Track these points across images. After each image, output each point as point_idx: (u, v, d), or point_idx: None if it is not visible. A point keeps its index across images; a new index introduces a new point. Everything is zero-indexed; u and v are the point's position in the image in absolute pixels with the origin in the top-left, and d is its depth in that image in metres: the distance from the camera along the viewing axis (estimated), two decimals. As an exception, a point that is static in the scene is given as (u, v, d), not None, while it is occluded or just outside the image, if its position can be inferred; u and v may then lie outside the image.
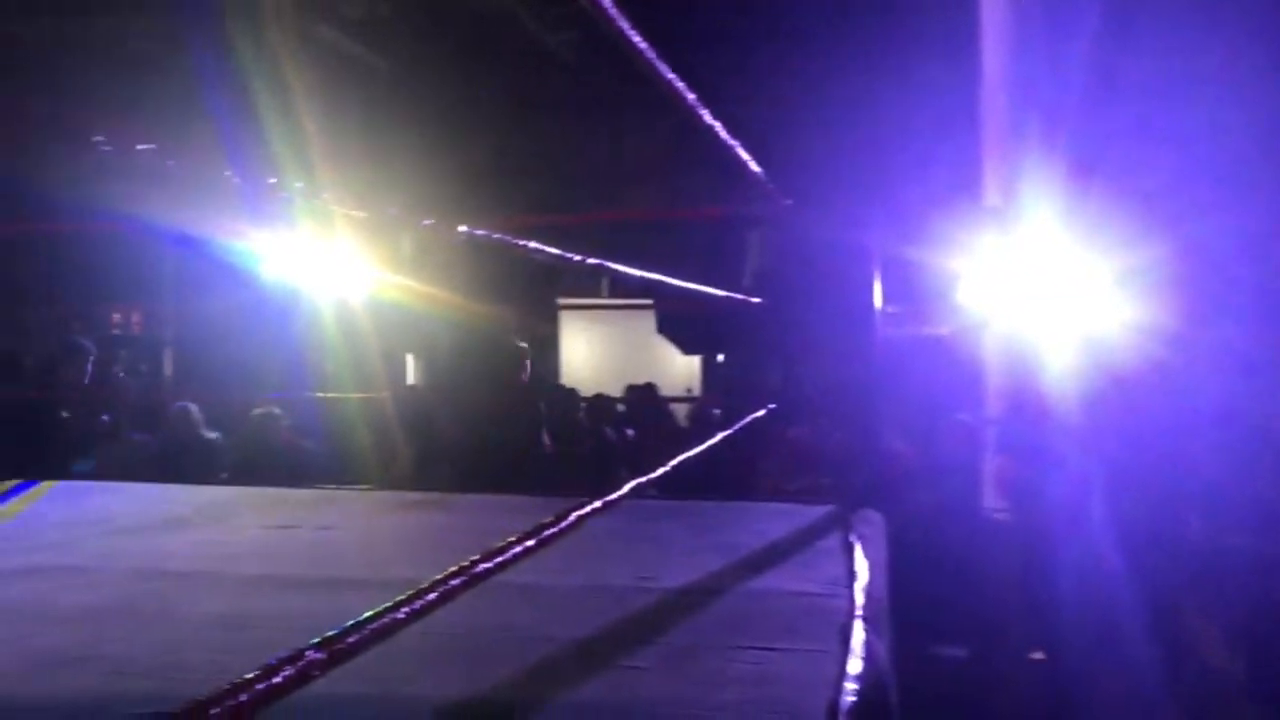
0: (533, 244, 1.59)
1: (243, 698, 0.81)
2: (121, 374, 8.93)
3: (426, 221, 1.16)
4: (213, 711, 0.76)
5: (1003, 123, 3.59)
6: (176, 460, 5.62)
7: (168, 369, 9.52)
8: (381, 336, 6.88)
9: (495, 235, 1.42)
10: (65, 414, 5.92)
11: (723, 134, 2.29)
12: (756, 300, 3.69)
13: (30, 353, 8.32)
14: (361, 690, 1.89)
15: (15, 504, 3.92)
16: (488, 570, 1.30)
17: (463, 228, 1.33)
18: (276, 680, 0.85)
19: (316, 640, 0.93)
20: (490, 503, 4.07)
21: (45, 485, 4.26)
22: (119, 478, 5.03)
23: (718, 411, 6.20)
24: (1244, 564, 3.34)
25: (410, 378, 9.65)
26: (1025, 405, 3.76)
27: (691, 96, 2.06)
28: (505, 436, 6.21)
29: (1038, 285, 3.64)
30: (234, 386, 7.42)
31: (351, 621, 1.00)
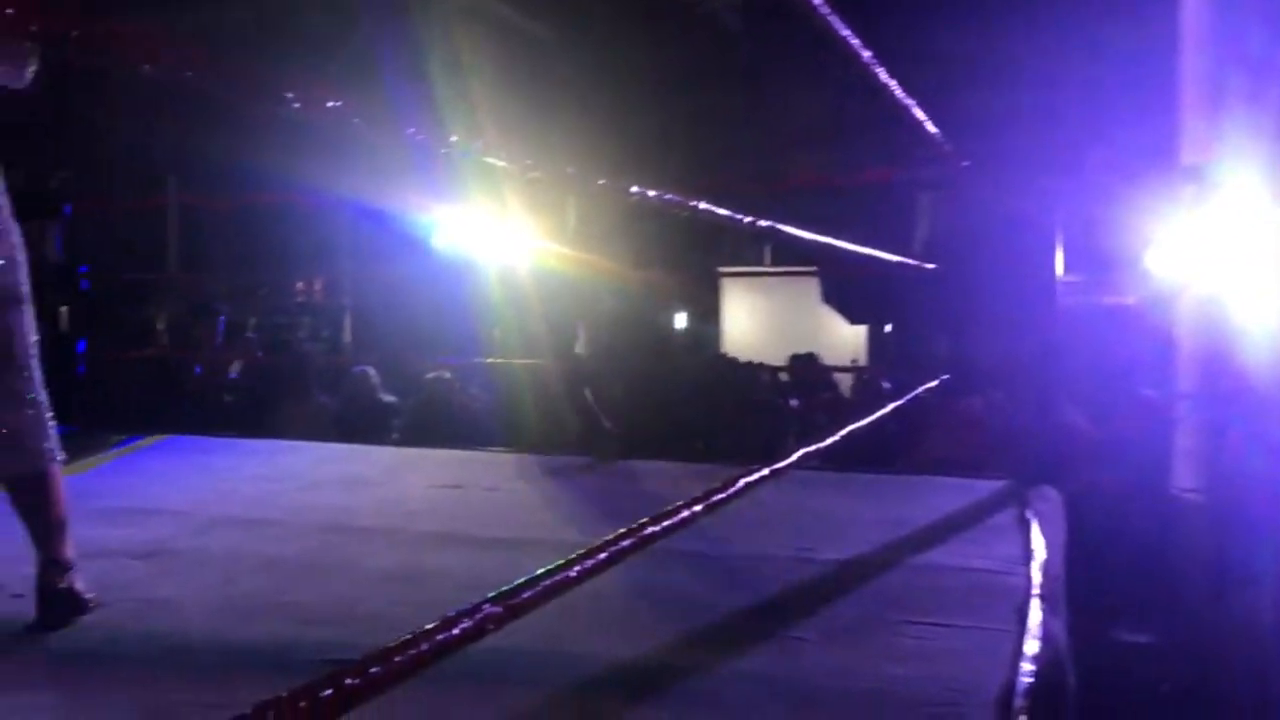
0: (702, 205, 1.57)
1: (423, 647, 0.83)
2: (304, 339, 9.42)
3: (600, 182, 1.16)
4: (395, 659, 0.78)
5: (1203, 78, 3.34)
6: (355, 421, 5.88)
7: (347, 335, 9.98)
8: (550, 304, 7.01)
9: (666, 197, 1.41)
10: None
11: (898, 93, 2.20)
12: (928, 267, 3.56)
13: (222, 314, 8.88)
14: (534, 646, 1.94)
15: (214, 457, 4.18)
16: (655, 534, 1.29)
17: (634, 188, 1.32)
18: (454, 632, 0.87)
19: (492, 595, 0.94)
20: (655, 469, 4.10)
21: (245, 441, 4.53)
22: (304, 437, 5.29)
23: (887, 384, 6.06)
24: None
25: (577, 345, 9.81)
26: (1221, 379, 3.52)
27: (867, 55, 1.99)
28: (667, 404, 6.25)
29: (1238, 250, 3.38)
30: (409, 352, 7.70)
31: (525, 578, 1.01)
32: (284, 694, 0.68)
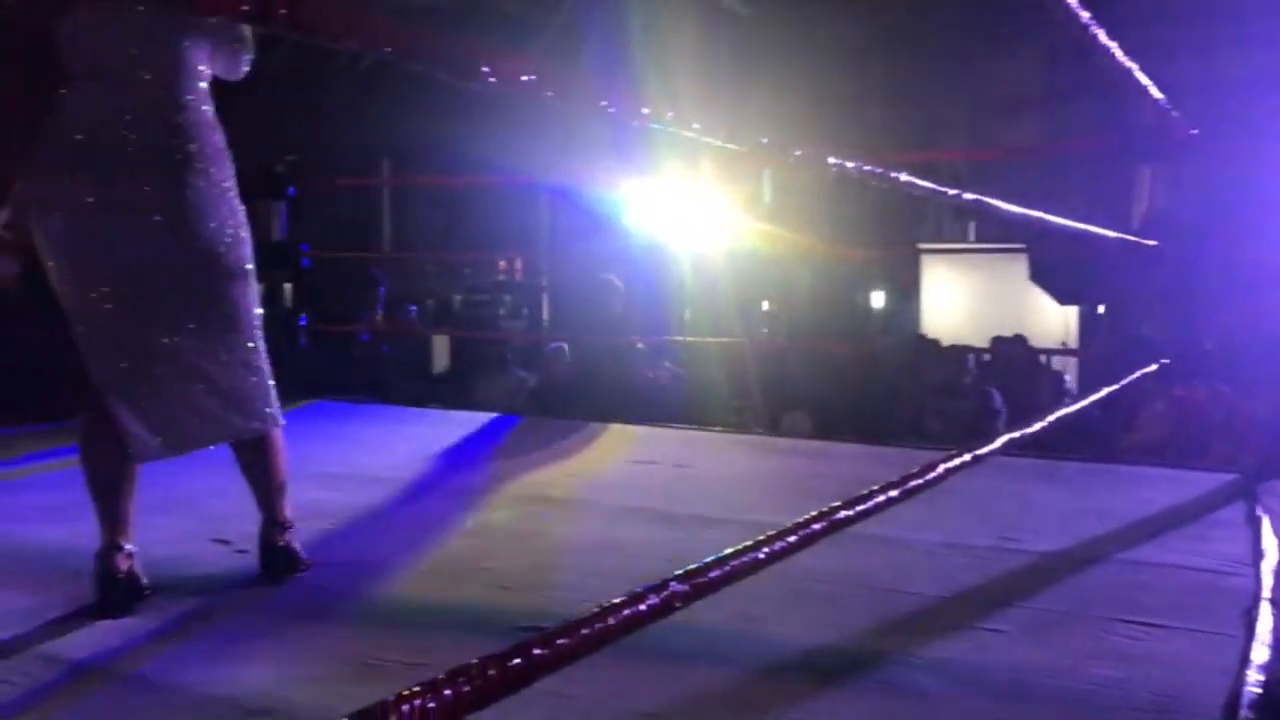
0: (904, 177, 1.51)
1: (610, 621, 0.83)
2: (503, 316, 9.76)
3: (798, 152, 1.13)
4: (583, 631, 0.78)
5: None
6: (551, 396, 6.04)
7: (545, 313, 10.28)
8: (739, 282, 6.98)
9: (865, 168, 1.36)
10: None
11: (1119, 55, 2.05)
12: (1149, 244, 3.33)
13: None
14: (722, 626, 1.94)
15: (420, 428, 4.38)
16: (849, 518, 1.26)
17: (833, 160, 1.28)
18: (641, 608, 0.87)
19: (680, 572, 0.94)
20: (848, 451, 4.02)
21: (447, 412, 4.73)
22: (504, 410, 5.48)
23: (1100, 368, 5.74)
24: None
25: (765, 323, 9.77)
26: None
27: (1085, 15, 1.86)
28: (862, 385, 6.12)
29: None
30: (601, 330, 7.85)
31: (714, 556, 1.00)
32: (475, 660, 0.69)
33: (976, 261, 9.26)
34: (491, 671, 0.68)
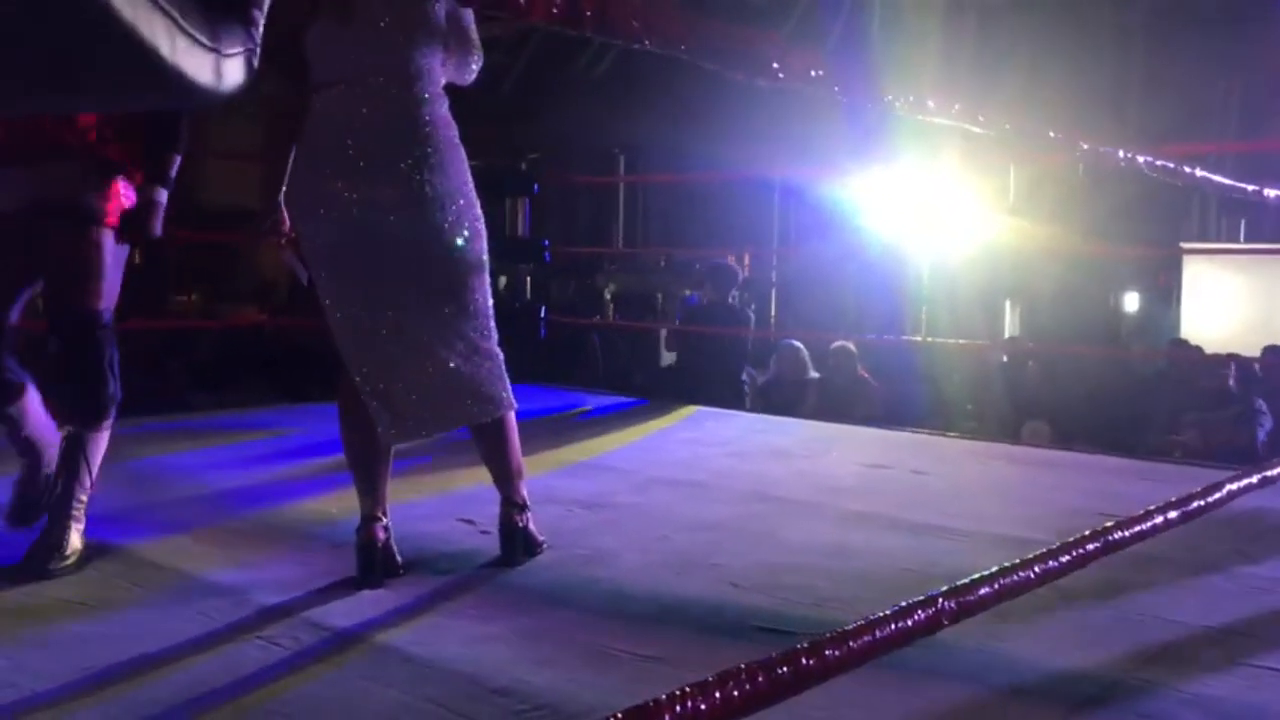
0: (1166, 163, 1.36)
1: (877, 634, 0.79)
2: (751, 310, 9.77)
3: (1052, 134, 1.04)
4: (850, 644, 0.75)
5: None
6: (782, 394, 5.99)
7: (773, 309, 10.21)
8: (982, 281, 6.69)
9: (1157, 161, 1.24)
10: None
11: None
12: None
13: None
14: (966, 641, 1.83)
15: (649, 420, 4.44)
16: (1124, 540, 1.16)
17: (1122, 151, 1.17)
18: (908, 623, 0.82)
19: (947, 588, 0.88)
20: (1095, 462, 3.77)
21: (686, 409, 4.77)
22: (731, 406, 5.47)
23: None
24: None
25: (1007, 325, 9.31)
26: None
27: None
28: (1114, 392, 5.73)
29: None
30: (831, 327, 7.71)
31: (982, 573, 0.94)
32: (743, 665, 0.67)
33: (1248, 263, 8.48)
34: (760, 678, 0.65)
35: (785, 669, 0.69)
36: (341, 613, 2.05)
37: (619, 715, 0.58)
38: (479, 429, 2.33)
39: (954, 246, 6.70)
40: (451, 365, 2.23)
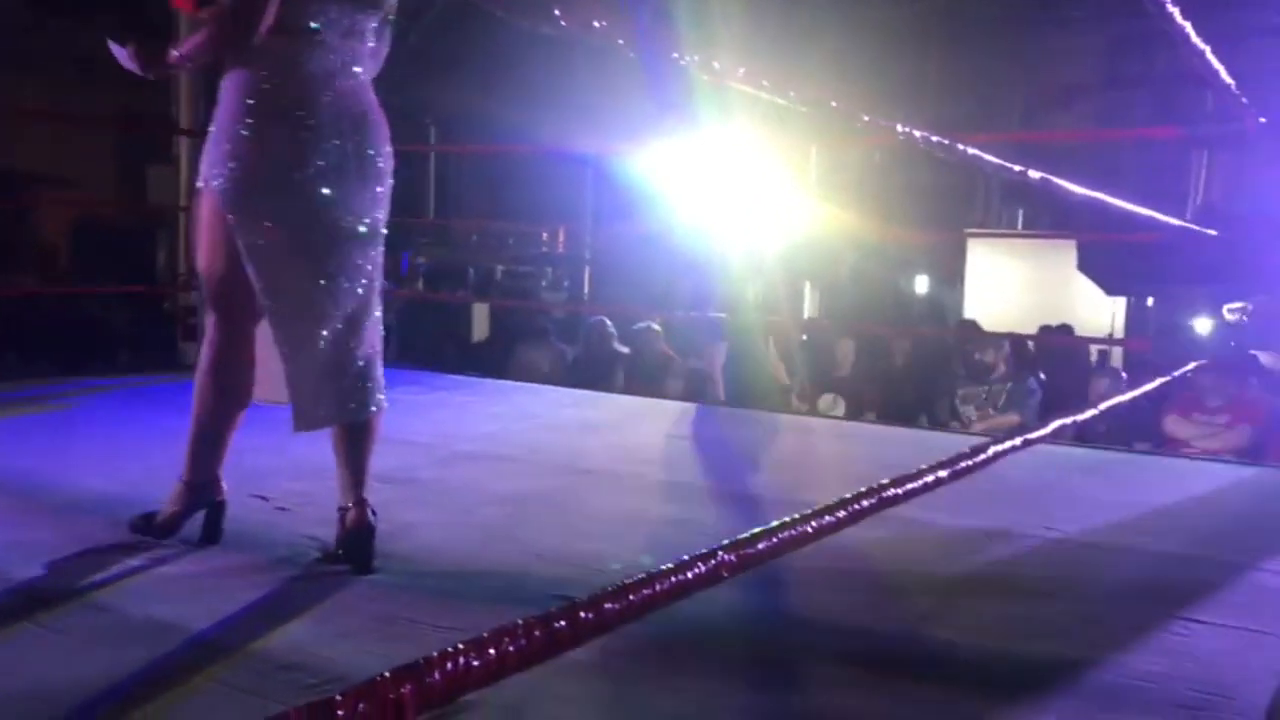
0: (971, 150, 1.47)
1: (656, 588, 0.81)
2: (545, 287, 9.75)
3: (865, 118, 1.09)
4: (630, 597, 0.76)
5: None
6: (589, 369, 6.04)
7: (586, 285, 10.27)
8: (784, 261, 6.92)
9: (934, 139, 1.32)
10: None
11: (1194, 38, 1.98)
12: (1208, 233, 3.24)
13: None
14: (757, 604, 1.91)
15: (457, 394, 4.39)
16: (896, 498, 1.23)
17: (901, 127, 1.24)
18: (688, 576, 0.85)
19: (728, 542, 0.92)
20: (888, 433, 3.98)
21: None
22: (543, 380, 5.48)
23: (1147, 361, 5.63)
24: None
25: (807, 305, 9.69)
26: None
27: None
28: (904, 368, 6.05)
29: None
30: (643, 304, 7.82)
31: (761, 528, 0.97)
32: (519, 622, 0.67)
33: (1025, 249, 9.13)
34: (537, 633, 0.66)
35: (564, 623, 0.70)
36: (119, 589, 1.94)
37: (387, 674, 0.58)
38: (353, 429, 2.17)
39: (758, 227, 6.89)
40: (372, 352, 2.15)
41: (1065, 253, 8.72)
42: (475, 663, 0.63)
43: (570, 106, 7.55)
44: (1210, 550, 2.48)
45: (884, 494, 1.22)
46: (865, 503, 1.17)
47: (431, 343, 7.22)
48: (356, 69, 2.15)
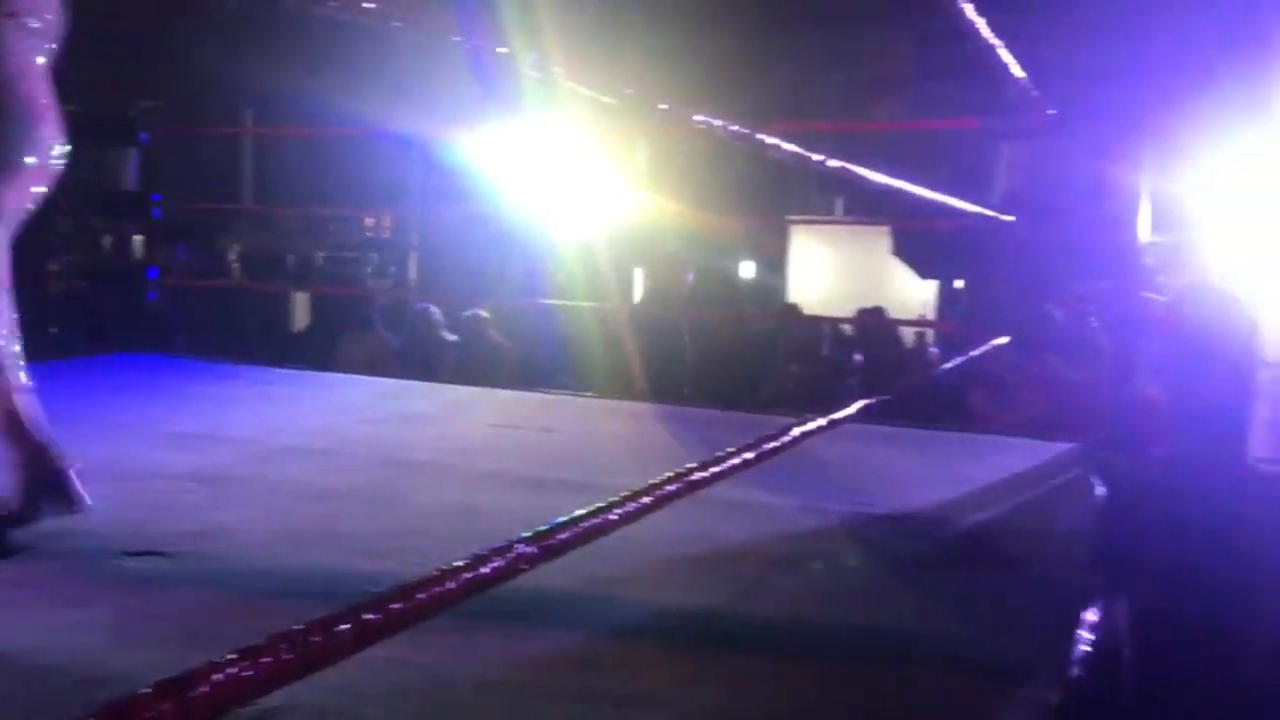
0: (775, 140, 1.50)
1: (450, 584, 0.80)
2: (370, 274, 9.52)
3: (663, 106, 1.11)
4: (419, 596, 0.75)
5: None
6: (416, 358, 5.93)
7: (413, 272, 10.06)
8: (613, 247, 6.97)
9: (733, 128, 1.35)
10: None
11: (985, 34, 2.10)
12: (1007, 221, 3.44)
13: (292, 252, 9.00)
14: (576, 590, 1.92)
15: (276, 387, 4.23)
16: (703, 480, 1.25)
17: (700, 117, 1.26)
18: (485, 570, 0.84)
19: (527, 534, 0.91)
20: (715, 417, 4.06)
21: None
22: (367, 371, 5.35)
23: (934, 348, 5.94)
24: None
25: (638, 291, 9.77)
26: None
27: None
28: (729, 353, 6.19)
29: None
30: (472, 291, 7.73)
31: (563, 519, 0.98)
32: (300, 626, 0.65)
33: (844, 236, 9.48)
34: (316, 638, 0.64)
35: (348, 625, 0.68)
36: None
37: (149, 690, 0.55)
38: None
39: (588, 214, 6.91)
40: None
41: (882, 239, 9.10)
42: (248, 673, 0.61)
43: (395, 88, 7.38)
44: (1005, 519, 2.64)
45: (690, 478, 1.25)
46: (671, 488, 1.19)
47: (250, 335, 6.94)
48: None
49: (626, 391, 5.30)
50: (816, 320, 6.53)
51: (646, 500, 1.12)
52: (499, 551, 0.86)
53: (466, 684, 1.61)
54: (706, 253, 8.66)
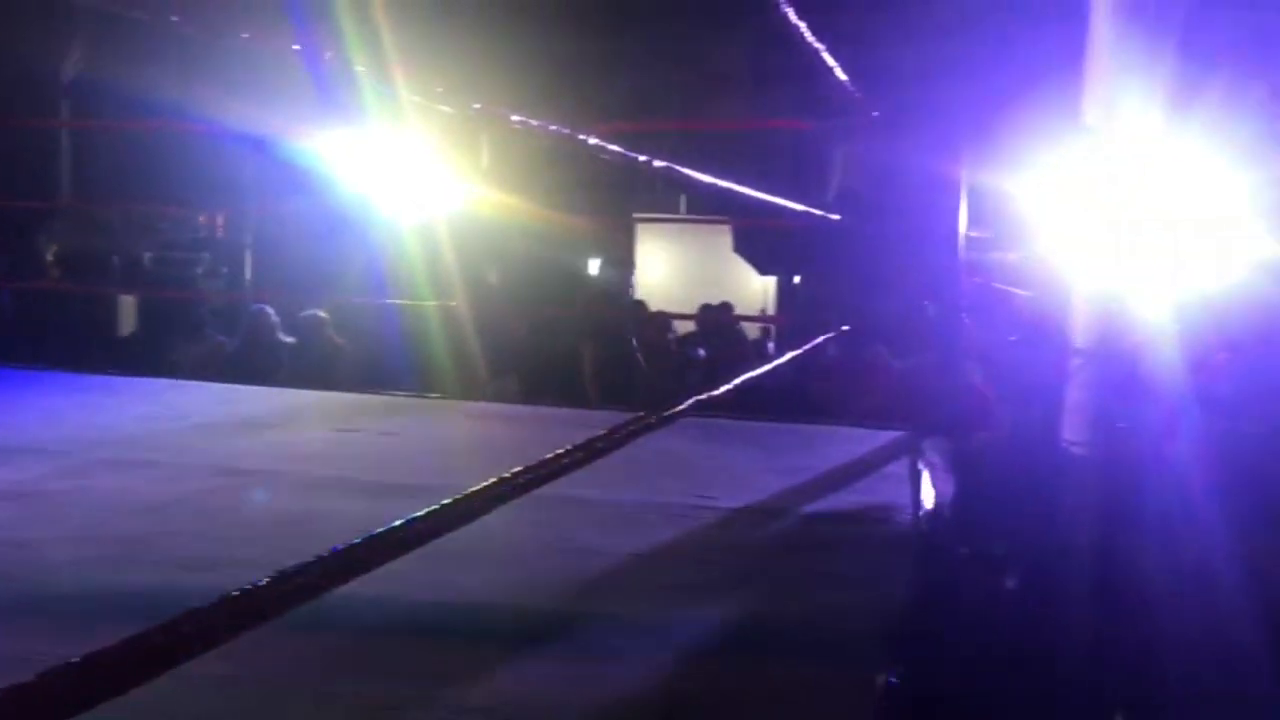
0: (606, 145, 1.52)
1: (279, 593, 0.78)
2: (202, 275, 9.09)
3: (475, 106, 1.10)
4: (245, 607, 0.73)
5: (1107, 34, 3.36)
6: (252, 361, 5.72)
7: (248, 272, 9.66)
8: (460, 245, 6.88)
9: (564, 131, 1.35)
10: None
11: (808, 37, 2.16)
12: (835, 218, 3.56)
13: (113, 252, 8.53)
14: (419, 594, 1.89)
15: (96, 395, 4.01)
16: (536, 480, 1.25)
17: (519, 117, 1.26)
18: (302, 580, 0.82)
19: (357, 540, 0.90)
20: (555, 416, 4.06)
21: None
22: (199, 376, 5.13)
23: (786, 334, 6.11)
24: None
25: (482, 290, 9.68)
26: (1114, 335, 3.59)
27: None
28: (575, 350, 6.20)
29: (1136, 210, 3.44)
30: (311, 291, 7.49)
31: (399, 522, 0.96)
32: (76, 659, 0.62)
33: (688, 233, 9.62)
34: (97, 670, 0.60)
35: (131, 652, 0.65)
36: None
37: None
38: None
39: (433, 212, 6.80)
40: None
41: (725, 237, 9.29)
42: (53, 694, 0.57)
43: (231, 82, 7.08)
44: (837, 506, 2.74)
45: (523, 479, 1.24)
46: (504, 489, 1.19)
47: (71, 339, 6.54)
48: None
49: (469, 392, 5.25)
50: (658, 315, 6.61)
51: (483, 501, 1.11)
52: (329, 559, 0.84)
53: (306, 698, 1.57)
54: (552, 250, 8.65)
